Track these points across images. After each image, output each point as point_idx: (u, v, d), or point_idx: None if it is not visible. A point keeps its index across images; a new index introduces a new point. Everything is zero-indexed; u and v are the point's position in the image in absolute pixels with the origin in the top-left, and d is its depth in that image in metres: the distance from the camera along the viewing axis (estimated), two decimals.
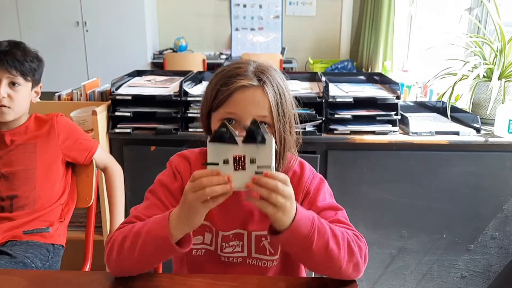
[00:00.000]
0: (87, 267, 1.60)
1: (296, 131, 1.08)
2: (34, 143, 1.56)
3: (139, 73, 2.48)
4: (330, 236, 0.90)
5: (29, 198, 1.52)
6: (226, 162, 0.83)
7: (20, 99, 1.52)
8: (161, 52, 4.99)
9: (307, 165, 1.14)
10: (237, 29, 5.25)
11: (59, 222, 1.58)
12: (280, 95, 1.01)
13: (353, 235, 0.97)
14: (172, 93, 2.02)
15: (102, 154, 1.71)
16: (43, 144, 1.56)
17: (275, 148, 0.84)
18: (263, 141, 0.82)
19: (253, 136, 0.82)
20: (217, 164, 0.83)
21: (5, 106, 1.49)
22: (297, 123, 1.08)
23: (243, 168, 0.83)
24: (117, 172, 1.73)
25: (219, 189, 0.81)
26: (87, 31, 4.77)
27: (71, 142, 1.61)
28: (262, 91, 0.99)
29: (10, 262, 1.38)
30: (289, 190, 0.84)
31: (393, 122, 1.99)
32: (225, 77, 1.01)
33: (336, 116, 1.98)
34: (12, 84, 1.50)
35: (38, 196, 1.53)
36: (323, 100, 1.98)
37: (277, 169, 1.06)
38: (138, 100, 2.04)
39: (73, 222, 1.73)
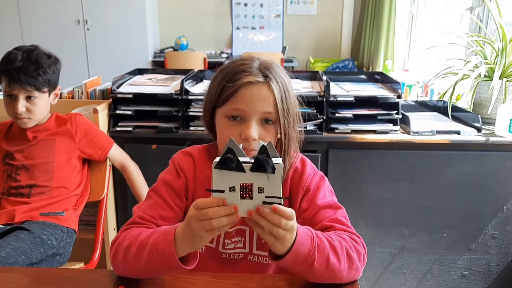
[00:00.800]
0: (96, 256, 1.68)
1: (298, 129, 1.08)
2: (53, 138, 1.68)
3: (140, 71, 2.48)
4: (329, 251, 0.90)
5: (47, 187, 1.63)
6: (232, 189, 0.78)
7: (38, 109, 1.64)
8: (162, 51, 4.99)
9: (308, 162, 1.14)
10: (238, 28, 5.25)
11: (73, 209, 1.67)
12: (284, 91, 1.02)
13: (350, 240, 0.96)
14: (173, 92, 2.02)
15: (117, 152, 1.81)
16: (61, 140, 1.68)
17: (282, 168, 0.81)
18: (273, 170, 0.77)
19: (263, 165, 0.77)
20: (222, 191, 0.78)
21: (25, 117, 1.61)
22: (300, 120, 1.08)
23: (250, 197, 0.78)
24: (135, 168, 1.84)
25: (226, 220, 0.79)
26: (88, 29, 4.77)
27: (87, 140, 1.73)
28: (267, 87, 0.99)
29: (29, 237, 1.47)
30: (291, 224, 0.82)
31: (394, 121, 1.99)
32: (231, 73, 1.01)
33: (337, 115, 1.98)
34: (29, 97, 1.61)
35: (55, 186, 1.64)
36: (324, 99, 1.98)
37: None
38: (139, 98, 2.04)
39: (80, 221, 1.77)
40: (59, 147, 1.67)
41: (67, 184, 1.66)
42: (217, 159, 0.78)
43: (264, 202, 0.79)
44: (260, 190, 0.78)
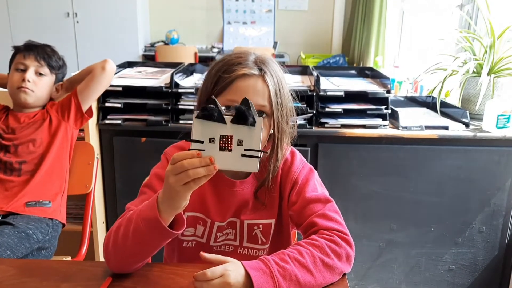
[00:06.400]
0: (84, 250, 1.68)
1: (291, 123, 1.09)
2: (42, 123, 1.71)
3: (130, 64, 2.47)
4: (298, 271, 0.89)
5: (37, 164, 1.65)
6: (212, 140, 0.79)
7: (43, 86, 1.72)
8: (152, 45, 4.95)
9: (297, 154, 1.15)
10: (229, 23, 5.23)
11: (60, 197, 1.67)
12: (279, 85, 1.03)
13: (327, 244, 0.95)
14: (163, 85, 2.01)
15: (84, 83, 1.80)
16: (49, 123, 1.72)
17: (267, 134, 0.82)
18: (253, 123, 0.78)
19: (244, 116, 0.78)
20: (202, 142, 0.79)
21: (28, 88, 1.67)
22: (293, 115, 1.09)
23: (229, 149, 0.79)
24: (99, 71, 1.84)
25: (202, 170, 0.79)
26: (77, 22, 4.72)
27: (60, 105, 1.76)
28: (263, 80, 1.00)
29: (14, 231, 1.46)
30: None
31: (383, 116, 2.00)
32: (227, 65, 1.02)
33: (326, 109, 1.99)
34: (39, 74, 1.71)
35: (45, 163, 1.65)
36: (314, 94, 1.99)
37: (274, 161, 1.08)
38: (129, 91, 2.03)
39: (68, 214, 1.76)
40: (48, 128, 1.70)
41: (56, 163, 1.67)
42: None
43: (243, 155, 0.80)
44: (240, 143, 0.79)
